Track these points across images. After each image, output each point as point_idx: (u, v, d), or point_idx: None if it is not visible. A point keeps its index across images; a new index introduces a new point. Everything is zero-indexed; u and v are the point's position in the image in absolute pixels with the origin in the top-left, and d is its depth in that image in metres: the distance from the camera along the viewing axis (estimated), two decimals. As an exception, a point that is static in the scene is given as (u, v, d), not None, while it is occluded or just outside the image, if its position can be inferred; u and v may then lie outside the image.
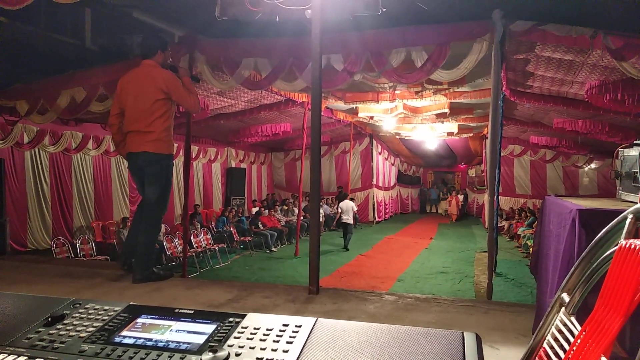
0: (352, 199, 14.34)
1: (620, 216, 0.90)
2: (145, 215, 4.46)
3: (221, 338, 0.96)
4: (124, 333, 1.01)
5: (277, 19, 4.61)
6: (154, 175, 4.34)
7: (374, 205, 18.45)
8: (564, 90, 7.79)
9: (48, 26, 7.92)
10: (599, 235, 0.96)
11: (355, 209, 13.97)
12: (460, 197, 22.36)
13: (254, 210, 14.57)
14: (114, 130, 4.50)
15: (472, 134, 16.15)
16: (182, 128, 6.26)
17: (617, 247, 0.85)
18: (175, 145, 14.11)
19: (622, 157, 2.98)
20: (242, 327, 0.99)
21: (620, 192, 3.04)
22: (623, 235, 0.87)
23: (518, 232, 14.36)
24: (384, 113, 11.99)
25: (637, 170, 2.74)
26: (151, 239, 4.56)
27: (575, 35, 4.93)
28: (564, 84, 7.25)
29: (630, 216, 0.87)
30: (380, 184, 19.48)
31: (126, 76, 4.41)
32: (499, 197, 8.89)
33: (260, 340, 0.94)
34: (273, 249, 12.53)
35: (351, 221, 13.10)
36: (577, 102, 8.20)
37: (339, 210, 13.39)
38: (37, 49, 7.78)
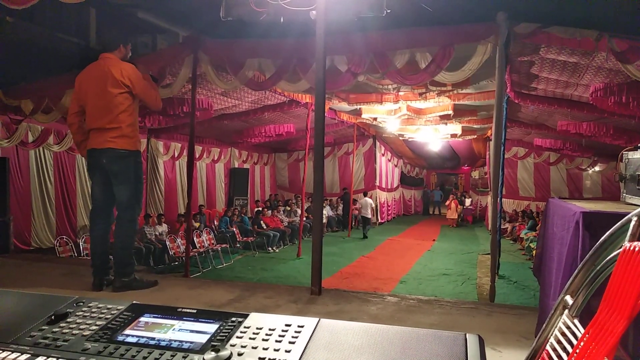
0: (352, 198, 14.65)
1: (624, 218, 0.90)
2: (120, 218, 4.13)
3: (224, 337, 0.96)
4: (127, 332, 1.01)
5: (282, 19, 4.61)
6: (122, 174, 4.02)
7: (376, 206, 18.44)
8: (568, 93, 7.77)
9: (53, 26, 7.96)
10: (602, 237, 0.96)
11: (373, 205, 16.02)
12: (467, 202, 21.76)
13: (256, 210, 14.59)
14: (73, 130, 4.19)
15: (475, 136, 16.12)
16: (185, 128, 6.29)
17: (621, 249, 0.84)
18: (179, 145, 14.06)
19: (627, 160, 2.97)
20: (245, 327, 0.99)
21: (624, 195, 3.02)
22: (627, 238, 0.86)
23: (521, 235, 14.32)
24: (387, 114, 11.99)
25: (642, 173, 2.72)
26: (129, 242, 4.21)
27: (579, 38, 4.93)
28: (568, 86, 7.23)
29: (635, 219, 0.87)
30: (383, 185, 19.47)
31: (84, 72, 4.14)
32: (503, 199, 8.88)
33: (263, 340, 0.94)
34: (275, 249, 12.54)
35: (369, 215, 15.41)
36: (581, 104, 8.19)
37: (359, 206, 15.55)
38: (42, 49, 7.82)
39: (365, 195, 16.07)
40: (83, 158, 4.29)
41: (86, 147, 4.11)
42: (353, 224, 16.55)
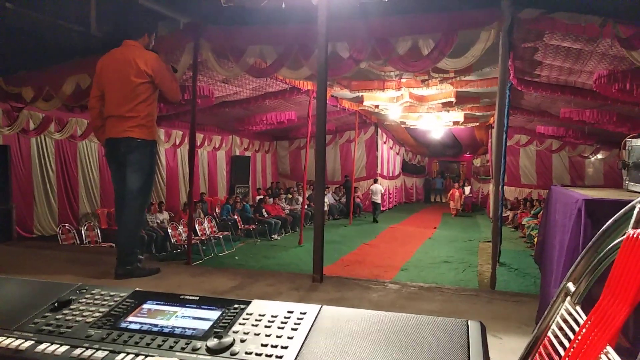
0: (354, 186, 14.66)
1: (628, 206, 0.89)
2: (127, 206, 4.10)
3: (226, 324, 0.97)
4: (130, 318, 1.01)
5: (283, 5, 4.57)
6: (137, 163, 4.02)
7: (379, 194, 18.48)
8: (571, 80, 7.72)
9: (53, 13, 7.89)
10: (606, 224, 0.95)
11: (382, 190, 17.17)
12: (467, 190, 21.39)
13: (258, 198, 14.62)
14: (94, 114, 4.18)
15: (478, 123, 16.06)
16: (187, 116, 6.27)
17: (624, 237, 0.84)
18: (180, 132, 14.06)
19: (630, 148, 2.96)
20: (247, 314, 1.00)
21: (627, 182, 3.02)
22: (631, 225, 0.86)
23: (522, 223, 14.33)
24: (389, 101, 11.93)
25: (645, 160, 2.72)
26: (135, 231, 4.22)
27: (584, 24, 4.87)
28: (572, 73, 7.18)
29: (638, 206, 0.86)
30: (385, 173, 19.46)
31: (106, 57, 4.11)
32: (504, 187, 8.87)
33: (265, 326, 0.94)
34: (276, 237, 12.58)
35: (379, 200, 16.50)
36: (584, 91, 8.13)
37: (370, 191, 16.78)
38: (43, 36, 7.76)
39: (375, 181, 17.11)
40: (100, 145, 4.26)
41: (104, 133, 4.11)
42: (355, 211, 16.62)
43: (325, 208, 13.47)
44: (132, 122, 3.95)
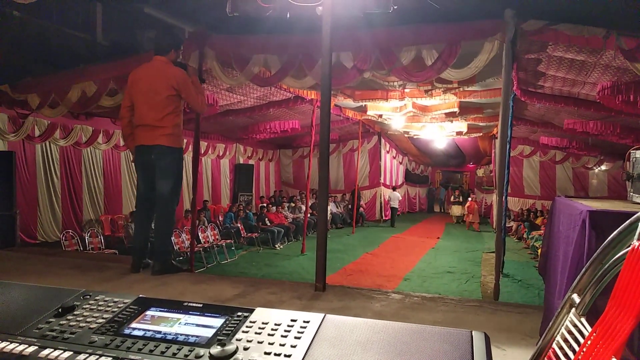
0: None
1: (633, 217, 0.89)
2: (159, 209, 4.53)
3: (229, 332, 0.96)
4: (134, 325, 1.01)
5: (288, 15, 4.60)
6: (167, 169, 4.39)
7: (381, 203, 18.44)
8: (575, 91, 7.72)
9: (60, 20, 7.97)
10: (611, 236, 0.95)
11: (400, 197, 18.58)
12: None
13: (261, 206, 14.62)
14: (124, 123, 4.54)
15: (481, 134, 16.07)
16: (191, 124, 6.28)
17: (629, 248, 0.84)
18: (185, 140, 14.20)
19: (634, 159, 2.96)
20: (251, 322, 0.99)
21: (631, 194, 3.01)
22: (636, 237, 0.86)
23: (524, 235, 14.27)
24: (393, 111, 11.97)
25: (649, 172, 2.71)
26: (168, 231, 4.67)
27: (587, 36, 4.88)
28: (575, 84, 7.18)
29: (644, 217, 0.86)
30: (388, 183, 19.44)
31: (137, 70, 4.47)
32: (508, 197, 8.84)
33: (269, 334, 0.94)
34: (279, 245, 12.56)
35: (397, 206, 18.06)
36: (588, 103, 8.13)
37: (388, 198, 18.15)
38: (49, 43, 7.84)
39: (394, 189, 18.59)
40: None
41: (133, 141, 4.44)
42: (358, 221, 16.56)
43: (329, 217, 13.47)
44: (161, 131, 4.29)
